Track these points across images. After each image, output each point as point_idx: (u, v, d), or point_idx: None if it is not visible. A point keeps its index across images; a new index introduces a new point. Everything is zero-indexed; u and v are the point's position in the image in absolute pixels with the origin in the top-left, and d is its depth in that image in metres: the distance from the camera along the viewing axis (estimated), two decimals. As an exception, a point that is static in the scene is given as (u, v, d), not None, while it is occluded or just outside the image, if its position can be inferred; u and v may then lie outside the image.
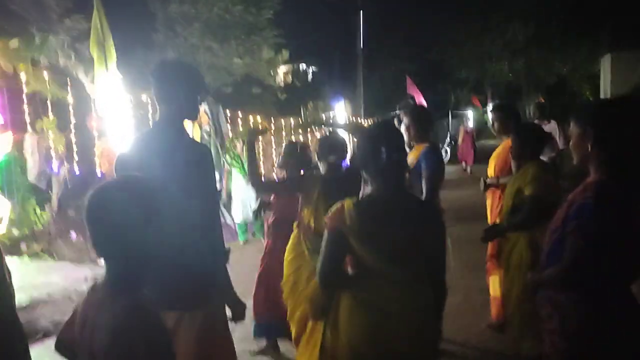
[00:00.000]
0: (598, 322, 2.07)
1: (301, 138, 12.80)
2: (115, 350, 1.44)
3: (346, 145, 3.80)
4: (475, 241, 4.26)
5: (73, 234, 7.17)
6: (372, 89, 23.08)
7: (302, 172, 4.34)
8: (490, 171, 4.70)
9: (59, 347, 1.73)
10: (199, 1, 11.22)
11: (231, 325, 2.65)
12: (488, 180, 4.61)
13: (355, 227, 2.16)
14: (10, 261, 6.20)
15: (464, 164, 18.18)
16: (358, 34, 20.77)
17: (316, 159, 3.73)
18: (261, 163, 10.57)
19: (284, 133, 12.85)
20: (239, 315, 2.65)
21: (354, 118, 18.53)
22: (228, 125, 10.59)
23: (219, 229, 2.59)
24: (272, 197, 4.67)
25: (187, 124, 9.63)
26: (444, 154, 20.73)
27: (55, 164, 7.33)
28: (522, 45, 27.04)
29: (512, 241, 3.68)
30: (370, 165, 2.27)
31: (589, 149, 2.13)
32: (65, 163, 7.44)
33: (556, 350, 2.19)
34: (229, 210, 9.30)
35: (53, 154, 7.23)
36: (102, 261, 1.64)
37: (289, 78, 22.19)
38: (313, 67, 25.36)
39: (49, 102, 7.01)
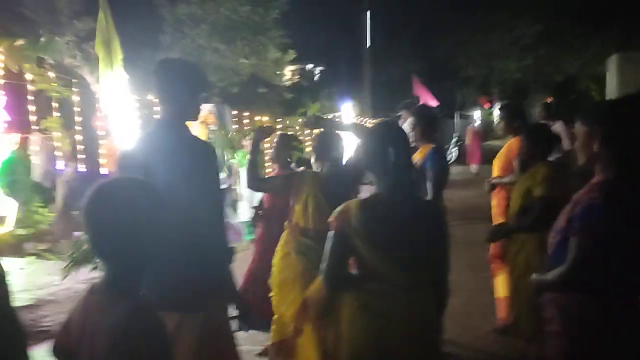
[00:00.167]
0: (602, 324, 2.05)
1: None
2: (117, 353, 1.43)
3: (342, 144, 3.75)
4: (480, 242, 4.24)
5: (77, 234, 7.19)
6: (379, 88, 23.05)
7: (294, 165, 4.34)
8: (494, 171, 4.68)
9: (55, 352, 1.70)
10: (206, 2, 11.24)
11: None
12: (492, 181, 4.59)
13: (360, 228, 2.14)
14: (15, 261, 6.25)
15: (473, 166, 18.01)
16: (365, 34, 20.74)
17: (312, 156, 3.69)
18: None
19: (290, 132, 12.81)
20: (244, 314, 2.64)
21: (360, 118, 18.49)
22: (234, 125, 10.61)
23: (223, 228, 2.59)
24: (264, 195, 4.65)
25: (194, 123, 9.70)
26: (450, 154, 20.81)
27: (60, 164, 7.35)
28: (529, 41, 26.91)
29: (519, 242, 3.65)
30: (376, 165, 2.25)
31: (596, 149, 2.10)
32: (70, 163, 7.45)
33: (559, 352, 2.16)
34: (236, 209, 9.28)
35: (58, 153, 7.24)
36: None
37: (296, 78, 22.19)
38: (320, 67, 25.34)
39: (54, 102, 7.02)
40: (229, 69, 11.71)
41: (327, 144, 3.63)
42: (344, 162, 3.74)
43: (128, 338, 1.42)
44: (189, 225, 2.30)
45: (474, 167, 17.90)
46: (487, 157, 15.76)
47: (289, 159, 4.53)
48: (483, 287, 5.50)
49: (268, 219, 4.45)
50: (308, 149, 6.71)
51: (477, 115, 27.99)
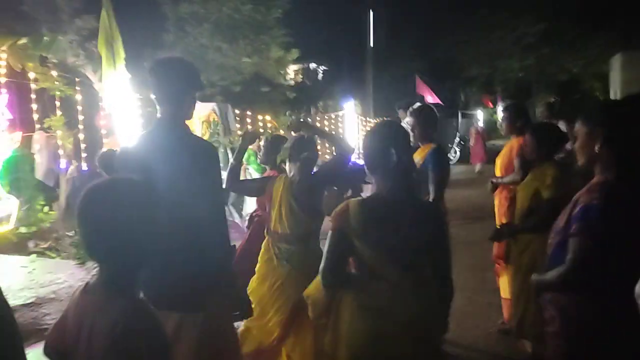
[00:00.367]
0: (600, 325, 2.04)
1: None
2: (115, 353, 1.42)
3: (317, 147, 3.74)
4: (482, 242, 4.23)
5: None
6: (382, 88, 23.01)
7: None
8: (497, 171, 4.68)
9: (47, 352, 1.69)
10: (209, 1, 11.24)
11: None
12: (494, 180, 4.58)
13: (359, 228, 2.13)
14: (17, 259, 6.27)
15: (476, 165, 17.96)
16: (368, 33, 20.72)
17: (287, 160, 3.65)
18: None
19: (293, 133, 12.81)
20: (244, 313, 2.64)
21: (363, 117, 18.50)
22: (237, 124, 10.62)
23: (224, 227, 2.58)
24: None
25: (197, 122, 9.71)
26: (453, 154, 20.76)
27: (63, 162, 7.37)
28: (532, 40, 26.83)
29: (524, 243, 3.62)
30: (377, 165, 2.24)
31: (597, 149, 2.09)
32: (73, 161, 7.47)
33: (558, 353, 2.16)
34: (241, 207, 9.29)
35: (61, 152, 7.26)
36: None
37: (299, 77, 22.20)
38: (323, 66, 25.34)
39: (57, 100, 7.04)
40: (232, 67, 11.70)
41: (300, 148, 3.57)
42: (316, 167, 3.74)
43: (127, 338, 1.42)
44: (189, 224, 2.30)
45: (477, 167, 17.87)
46: (491, 157, 15.77)
47: (281, 161, 4.53)
48: (485, 287, 5.50)
49: (260, 224, 4.39)
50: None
51: (480, 114, 27.93)
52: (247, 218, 4.81)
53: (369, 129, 3.89)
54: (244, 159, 9.57)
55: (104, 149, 5.88)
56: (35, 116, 6.83)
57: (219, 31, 11.24)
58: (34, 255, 6.66)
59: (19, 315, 4.71)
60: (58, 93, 7.03)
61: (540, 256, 3.43)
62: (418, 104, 4.16)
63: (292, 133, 4.11)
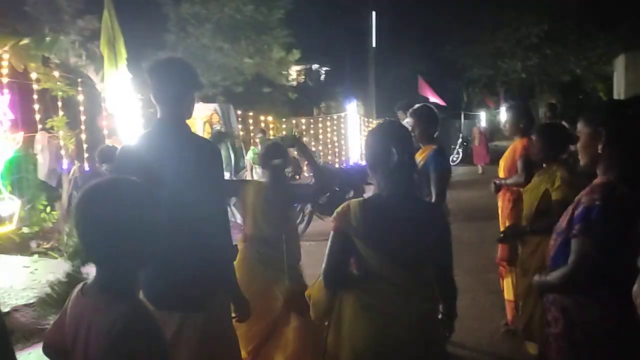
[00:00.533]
0: (603, 326, 2.03)
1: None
2: (114, 355, 1.41)
3: (287, 152, 3.82)
4: (485, 242, 4.22)
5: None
6: (384, 89, 23.02)
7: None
8: (500, 172, 4.66)
9: (47, 352, 1.68)
10: (210, 1, 11.26)
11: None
12: (497, 181, 4.56)
13: (360, 229, 2.13)
14: (20, 259, 6.27)
15: (480, 167, 17.97)
16: (370, 34, 20.72)
17: (260, 165, 3.73)
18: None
19: (296, 133, 12.84)
20: (243, 314, 2.64)
21: (365, 118, 18.49)
22: (238, 124, 10.63)
23: (226, 227, 2.58)
24: None
25: (198, 123, 9.71)
26: (455, 155, 20.79)
27: (65, 163, 7.37)
28: (535, 41, 26.78)
29: (533, 245, 3.56)
30: (379, 166, 2.23)
31: (599, 150, 2.08)
32: (76, 161, 7.48)
33: (561, 354, 2.15)
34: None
35: (63, 152, 7.27)
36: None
37: (301, 78, 22.22)
38: (325, 67, 25.35)
39: (59, 101, 7.05)
40: (233, 68, 11.72)
41: (271, 155, 3.66)
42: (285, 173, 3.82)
43: (125, 340, 1.40)
44: (190, 224, 2.30)
45: (480, 167, 17.89)
46: (493, 158, 15.78)
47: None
48: (487, 288, 5.49)
49: None
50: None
51: (482, 115, 27.92)
52: None
53: (370, 130, 3.91)
54: (250, 159, 9.61)
55: (104, 145, 5.89)
56: (38, 116, 6.83)
57: (220, 32, 11.25)
58: (36, 256, 6.67)
59: (21, 315, 4.71)
60: (60, 93, 7.03)
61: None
62: (417, 104, 4.14)
63: (288, 147, 4.22)
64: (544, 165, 3.74)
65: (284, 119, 13.53)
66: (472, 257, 6.38)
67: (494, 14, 26.07)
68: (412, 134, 3.82)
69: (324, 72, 25.58)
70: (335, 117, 16.58)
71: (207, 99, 10.67)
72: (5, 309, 4.63)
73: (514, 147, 4.55)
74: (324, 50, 22.40)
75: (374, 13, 20.93)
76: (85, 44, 7.00)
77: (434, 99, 16.60)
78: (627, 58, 14.99)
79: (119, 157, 2.57)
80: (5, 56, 6.28)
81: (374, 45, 21.00)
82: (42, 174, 7.39)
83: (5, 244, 6.76)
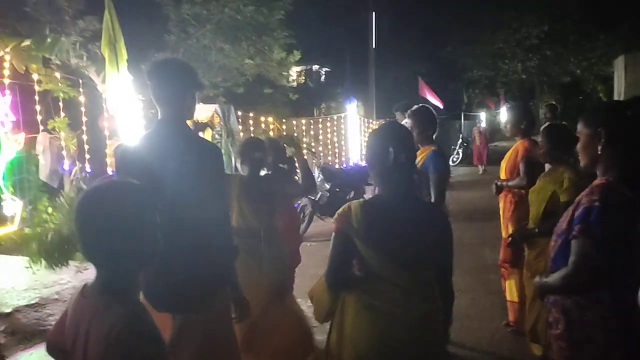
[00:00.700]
0: (603, 327, 2.03)
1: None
2: (112, 358, 1.42)
3: (265, 147, 3.94)
4: (486, 243, 4.23)
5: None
6: (385, 89, 23.02)
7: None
8: (502, 173, 4.65)
9: (50, 351, 1.69)
10: (211, 2, 11.25)
11: None
12: (498, 183, 4.56)
13: (361, 230, 2.13)
14: (21, 259, 6.28)
15: (480, 167, 18.01)
16: (370, 35, 20.72)
17: (239, 161, 3.81)
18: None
19: (296, 134, 12.85)
20: (243, 315, 2.65)
21: (365, 119, 18.50)
22: (239, 125, 10.62)
23: (227, 228, 2.59)
24: None
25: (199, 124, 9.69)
26: (455, 155, 20.82)
27: (66, 164, 7.38)
28: (535, 42, 26.79)
29: (540, 246, 3.53)
30: (378, 166, 2.24)
31: (599, 151, 2.09)
32: (77, 162, 7.48)
33: (562, 356, 2.15)
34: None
35: (65, 153, 7.28)
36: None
37: (302, 79, 22.23)
38: (325, 68, 25.35)
39: (60, 102, 7.06)
40: (234, 69, 11.71)
41: (250, 150, 3.76)
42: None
43: (123, 344, 1.41)
44: (191, 225, 2.31)
45: (480, 168, 17.95)
46: (493, 158, 15.80)
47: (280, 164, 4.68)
48: (488, 288, 5.50)
49: None
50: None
51: (483, 116, 27.94)
52: None
53: (371, 130, 3.94)
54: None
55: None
56: (39, 118, 6.84)
57: (221, 32, 11.23)
58: (37, 256, 6.67)
59: (23, 315, 4.72)
60: (62, 94, 7.04)
61: None
62: (416, 105, 4.15)
63: (287, 146, 4.35)
64: (549, 166, 3.74)
65: (284, 120, 13.51)
66: (473, 257, 6.39)
67: (494, 15, 26.09)
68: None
69: (324, 73, 25.59)
70: (335, 117, 16.58)
71: (208, 100, 10.67)
72: (7, 310, 4.65)
73: (515, 149, 4.54)
74: (324, 51, 22.42)
75: (374, 14, 20.91)
76: (86, 45, 7.00)
77: (432, 99, 16.65)
78: (627, 59, 14.98)
79: (119, 158, 2.58)
80: (7, 57, 6.29)
81: (374, 46, 20.98)
82: (43, 175, 7.39)
83: (6, 245, 6.76)
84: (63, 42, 6.67)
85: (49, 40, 6.58)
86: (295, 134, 12.63)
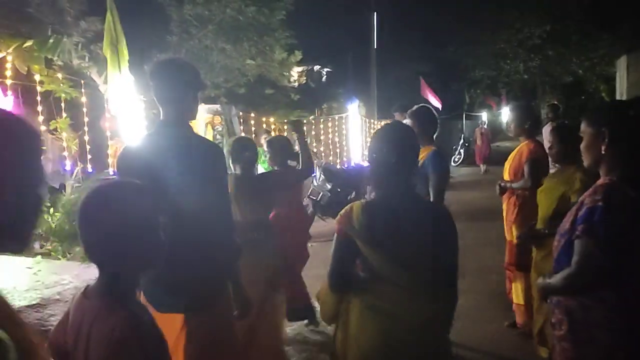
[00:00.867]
0: (607, 328, 2.03)
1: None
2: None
3: (256, 146, 4.03)
4: (488, 243, 4.22)
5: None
6: (386, 90, 23.01)
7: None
8: (505, 174, 4.62)
9: (53, 352, 1.68)
10: (212, 2, 11.26)
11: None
12: (502, 184, 4.54)
13: (363, 231, 2.13)
14: (22, 260, 6.28)
15: (482, 167, 18.01)
16: (372, 35, 20.71)
17: (230, 160, 3.89)
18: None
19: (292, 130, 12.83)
20: (244, 314, 2.65)
21: (367, 119, 18.49)
22: (240, 126, 10.64)
23: (230, 227, 2.59)
24: None
25: (200, 124, 9.71)
26: (457, 155, 20.83)
27: (68, 164, 7.39)
28: (538, 42, 26.75)
29: (548, 248, 3.52)
30: (379, 166, 2.23)
31: (603, 150, 2.08)
32: (79, 163, 7.49)
33: (565, 357, 2.14)
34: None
35: (66, 153, 7.29)
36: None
37: (303, 79, 22.21)
38: (327, 68, 25.35)
39: (62, 103, 7.08)
40: (236, 69, 11.71)
41: (241, 149, 3.85)
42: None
43: (125, 347, 1.41)
44: (194, 224, 2.31)
45: (482, 167, 17.96)
46: (495, 158, 15.79)
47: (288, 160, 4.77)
48: (490, 289, 5.49)
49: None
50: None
51: (484, 116, 27.93)
52: None
53: (373, 130, 3.95)
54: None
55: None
56: (41, 118, 6.85)
57: (223, 33, 11.24)
58: (39, 257, 6.68)
59: (24, 316, 4.72)
60: (63, 95, 7.06)
61: None
62: (416, 106, 4.15)
63: (292, 130, 4.48)
64: (558, 166, 3.70)
65: (285, 120, 13.51)
66: (475, 258, 6.37)
67: (495, 15, 26.06)
68: None
69: (325, 73, 25.57)
70: (336, 118, 16.58)
71: (209, 101, 10.68)
72: (9, 310, 4.65)
73: (520, 150, 4.49)
74: (326, 51, 22.39)
75: (375, 14, 20.91)
76: (89, 46, 7.01)
77: (433, 100, 16.67)
78: (629, 59, 14.96)
79: (121, 158, 2.58)
80: (9, 58, 6.31)
81: (375, 46, 20.98)
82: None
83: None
84: (65, 43, 6.68)
85: (51, 41, 6.59)
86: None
